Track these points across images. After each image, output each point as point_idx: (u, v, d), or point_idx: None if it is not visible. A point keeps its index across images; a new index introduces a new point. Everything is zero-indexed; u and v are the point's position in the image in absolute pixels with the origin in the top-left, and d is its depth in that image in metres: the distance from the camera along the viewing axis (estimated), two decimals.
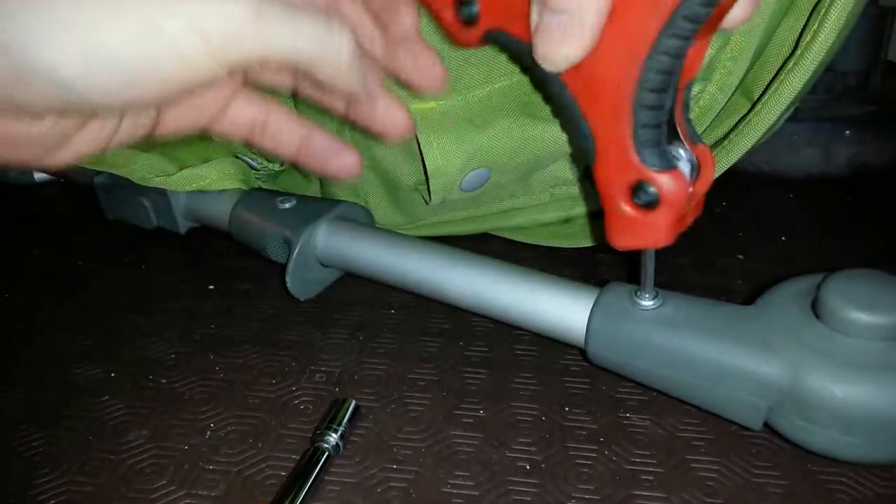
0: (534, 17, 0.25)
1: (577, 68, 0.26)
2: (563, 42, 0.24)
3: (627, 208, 0.27)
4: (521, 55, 0.28)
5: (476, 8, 0.29)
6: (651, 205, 0.27)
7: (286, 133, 0.30)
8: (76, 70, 0.19)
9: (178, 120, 0.28)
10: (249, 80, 0.30)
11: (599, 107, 0.26)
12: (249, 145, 0.31)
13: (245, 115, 0.30)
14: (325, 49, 0.23)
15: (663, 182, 0.26)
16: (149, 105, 0.25)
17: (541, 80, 0.29)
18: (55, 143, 0.23)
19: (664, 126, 0.26)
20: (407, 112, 0.30)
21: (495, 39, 0.29)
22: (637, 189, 0.27)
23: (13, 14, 0.19)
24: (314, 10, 0.23)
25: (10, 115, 0.21)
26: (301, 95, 0.30)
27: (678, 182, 0.26)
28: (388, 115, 0.30)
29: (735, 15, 0.25)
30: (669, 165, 0.26)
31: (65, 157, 0.24)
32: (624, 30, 0.24)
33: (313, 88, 0.30)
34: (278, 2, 0.22)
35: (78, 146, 0.24)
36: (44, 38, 0.19)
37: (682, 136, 0.28)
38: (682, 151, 0.28)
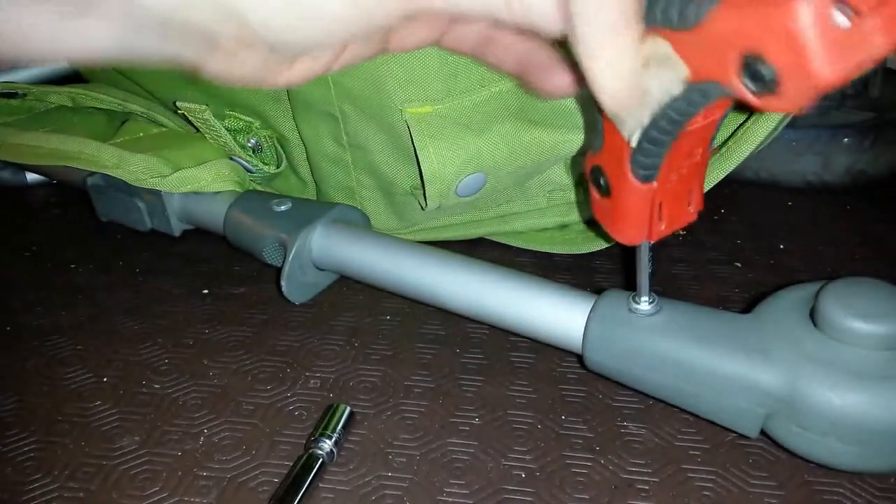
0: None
1: None
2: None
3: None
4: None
5: None
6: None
7: (510, 47, 0.28)
8: (265, 15, 0.21)
9: (410, 37, 0.26)
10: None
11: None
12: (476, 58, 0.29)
13: (471, 31, 0.28)
14: None
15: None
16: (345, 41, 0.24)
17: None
18: (270, 71, 0.24)
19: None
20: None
21: None
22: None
23: None
24: None
25: (221, 50, 0.22)
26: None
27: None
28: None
29: None
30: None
31: (282, 82, 0.25)
32: None
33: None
34: None
35: (295, 73, 0.24)
36: None
37: None
38: None
